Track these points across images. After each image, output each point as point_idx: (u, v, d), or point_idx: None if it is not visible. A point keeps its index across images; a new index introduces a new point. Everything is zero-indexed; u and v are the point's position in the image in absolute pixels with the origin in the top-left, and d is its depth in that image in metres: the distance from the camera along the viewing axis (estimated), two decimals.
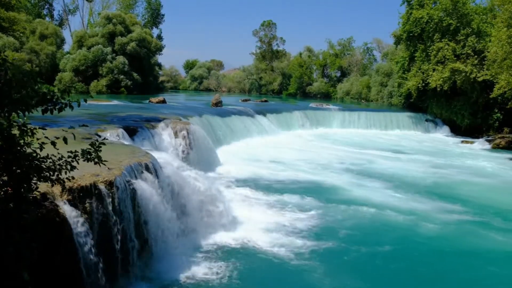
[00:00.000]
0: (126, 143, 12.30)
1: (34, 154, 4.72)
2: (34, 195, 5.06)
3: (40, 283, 5.51)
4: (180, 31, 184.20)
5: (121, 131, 13.52)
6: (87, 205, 6.63)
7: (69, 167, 5.05)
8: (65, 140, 4.76)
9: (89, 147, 5.18)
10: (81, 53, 47.10)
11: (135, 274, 7.58)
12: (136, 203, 7.89)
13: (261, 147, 22.74)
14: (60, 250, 6.02)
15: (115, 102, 30.45)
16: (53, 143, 4.71)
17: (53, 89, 4.62)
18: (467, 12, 31.62)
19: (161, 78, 64.08)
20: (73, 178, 6.28)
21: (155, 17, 68.51)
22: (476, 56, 30.22)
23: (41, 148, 4.74)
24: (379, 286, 8.38)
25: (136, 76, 49.52)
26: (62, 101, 4.62)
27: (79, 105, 4.83)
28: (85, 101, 4.91)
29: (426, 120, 35.01)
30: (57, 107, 4.60)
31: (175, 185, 9.67)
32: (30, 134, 4.59)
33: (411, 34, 33.80)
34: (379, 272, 8.93)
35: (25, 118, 4.65)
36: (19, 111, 4.51)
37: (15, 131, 4.50)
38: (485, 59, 28.23)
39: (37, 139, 4.67)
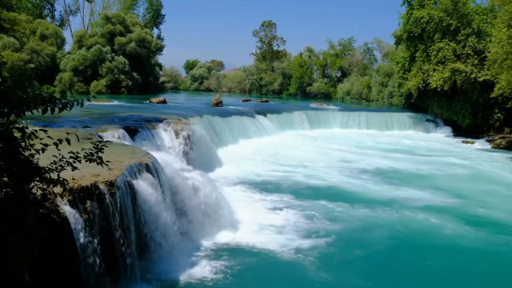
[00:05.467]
0: (126, 143, 12.32)
1: (36, 158, 4.73)
2: (35, 195, 5.08)
3: (40, 284, 5.52)
4: (181, 31, 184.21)
5: (121, 131, 13.53)
6: (87, 205, 6.63)
7: (70, 167, 5.06)
8: (68, 141, 4.77)
9: (92, 148, 5.19)
10: (80, 53, 47.10)
11: (136, 274, 7.57)
12: (137, 203, 7.90)
13: (261, 147, 22.72)
14: (61, 251, 6.03)
15: (115, 102, 30.46)
16: (56, 144, 4.71)
17: (53, 89, 4.62)
18: (468, 12, 31.60)
19: (161, 78, 64.02)
20: (73, 179, 6.32)
21: (156, 18, 68.54)
22: (476, 56, 30.20)
23: (43, 150, 4.75)
24: (378, 284, 8.39)
25: (137, 76, 49.51)
26: (63, 100, 4.62)
27: (81, 106, 4.80)
28: (89, 100, 4.91)
29: (427, 120, 35.00)
30: (58, 106, 4.59)
31: (175, 185, 9.68)
32: (31, 136, 4.59)
33: (411, 34, 33.79)
34: (378, 270, 8.96)
35: (28, 121, 4.66)
36: (19, 112, 4.51)
37: (16, 134, 4.51)
38: (486, 59, 28.18)
39: (40, 139, 4.68)
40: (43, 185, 4.85)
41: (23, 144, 4.58)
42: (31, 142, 4.67)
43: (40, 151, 4.76)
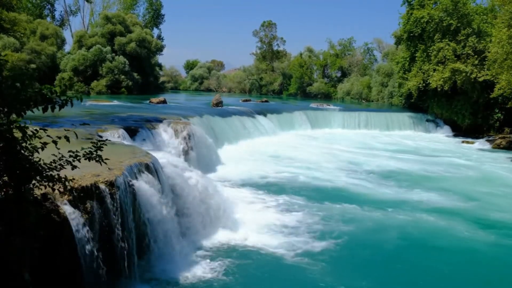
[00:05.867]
0: (126, 143, 12.32)
1: (36, 157, 4.73)
2: (35, 195, 5.07)
3: (40, 283, 5.51)
4: (181, 31, 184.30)
5: (121, 131, 13.53)
6: (87, 205, 6.62)
7: (69, 164, 5.05)
8: (67, 138, 4.77)
9: (91, 146, 5.19)
10: (81, 53, 47.11)
11: (136, 274, 7.57)
12: (137, 203, 7.89)
13: (261, 147, 22.73)
14: (61, 250, 6.02)
15: (115, 102, 30.46)
16: (55, 142, 4.71)
17: (53, 88, 4.61)
18: (468, 12, 31.61)
19: (161, 78, 63.98)
20: (73, 179, 6.31)
21: (156, 18, 68.54)
22: (476, 56, 30.20)
23: (42, 148, 4.74)
24: (380, 285, 8.37)
25: (137, 76, 49.54)
26: (62, 97, 4.61)
27: (81, 101, 4.85)
28: (81, 99, 4.92)
29: (427, 120, 34.99)
30: (58, 104, 4.59)
31: (176, 185, 9.67)
32: (31, 135, 4.59)
33: (411, 34, 33.80)
34: (380, 270, 8.92)
35: (29, 122, 4.65)
36: (19, 111, 4.51)
37: (17, 133, 4.50)
38: (486, 59, 28.20)
39: (39, 138, 4.67)
40: (43, 182, 4.85)
41: (23, 144, 4.57)
42: (31, 142, 4.67)
43: (40, 150, 4.76)
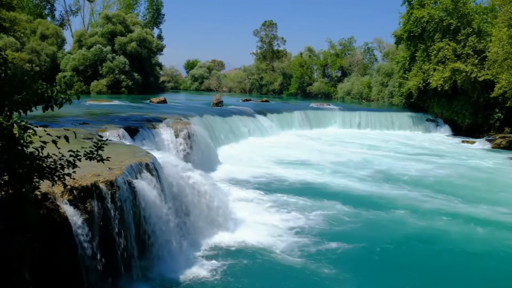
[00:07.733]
0: (127, 143, 12.33)
1: (36, 154, 4.74)
2: (35, 195, 5.08)
3: (41, 283, 5.53)
4: (181, 30, 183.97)
5: (122, 131, 13.54)
6: (88, 205, 6.63)
7: (70, 166, 5.07)
8: (66, 138, 4.78)
9: (91, 146, 5.21)
10: (81, 53, 47.12)
11: (136, 274, 7.58)
12: (137, 203, 7.90)
13: (261, 147, 22.74)
14: (61, 250, 6.03)
15: (115, 102, 30.48)
16: (54, 142, 4.72)
17: (54, 88, 4.62)
18: (468, 12, 31.62)
19: (161, 78, 64.02)
20: (74, 176, 6.32)
21: (156, 17, 68.57)
22: (476, 56, 30.21)
23: (42, 147, 4.76)
24: (380, 285, 8.37)
25: (137, 76, 49.56)
26: (62, 96, 4.63)
27: (78, 99, 4.88)
28: (78, 98, 4.95)
29: (427, 120, 35.00)
30: (57, 103, 4.60)
31: (176, 185, 9.68)
32: (31, 133, 4.60)
33: (411, 34, 33.82)
34: (380, 271, 8.91)
35: (25, 121, 4.67)
36: (20, 111, 4.52)
37: (16, 131, 4.51)
38: (486, 59, 28.21)
39: (39, 136, 4.68)
40: (43, 180, 4.86)
41: (22, 142, 4.58)
42: (31, 139, 4.68)
43: (40, 149, 4.77)
